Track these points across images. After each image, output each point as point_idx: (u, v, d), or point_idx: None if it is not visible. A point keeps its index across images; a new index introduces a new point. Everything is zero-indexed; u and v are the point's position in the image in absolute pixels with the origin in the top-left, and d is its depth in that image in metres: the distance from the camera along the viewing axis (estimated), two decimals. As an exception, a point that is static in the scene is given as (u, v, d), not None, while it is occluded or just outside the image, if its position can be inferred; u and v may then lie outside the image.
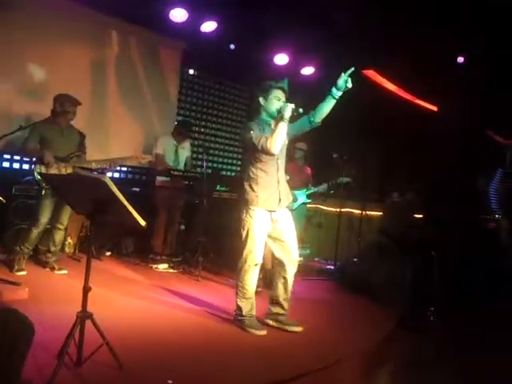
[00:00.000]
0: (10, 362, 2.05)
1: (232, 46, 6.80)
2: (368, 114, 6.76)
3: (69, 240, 5.23)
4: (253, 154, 3.42)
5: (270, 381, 2.61)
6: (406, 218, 6.06)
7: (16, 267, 4.19)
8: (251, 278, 3.42)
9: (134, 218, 2.60)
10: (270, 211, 3.42)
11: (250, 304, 3.45)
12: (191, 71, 7.22)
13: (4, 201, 3.52)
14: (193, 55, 6.79)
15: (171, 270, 5.07)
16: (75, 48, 5.60)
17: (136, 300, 3.95)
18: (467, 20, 5.54)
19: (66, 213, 4.43)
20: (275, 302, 3.56)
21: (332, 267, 6.05)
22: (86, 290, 2.55)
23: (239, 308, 3.45)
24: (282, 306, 3.55)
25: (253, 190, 3.39)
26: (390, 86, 7.39)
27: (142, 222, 2.61)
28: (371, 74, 7.21)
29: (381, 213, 6.46)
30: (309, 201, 5.95)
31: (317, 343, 3.36)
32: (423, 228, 5.71)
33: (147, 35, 6.28)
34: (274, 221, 3.45)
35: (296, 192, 5.42)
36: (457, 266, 4.75)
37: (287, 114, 3.28)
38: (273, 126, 3.42)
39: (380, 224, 6.14)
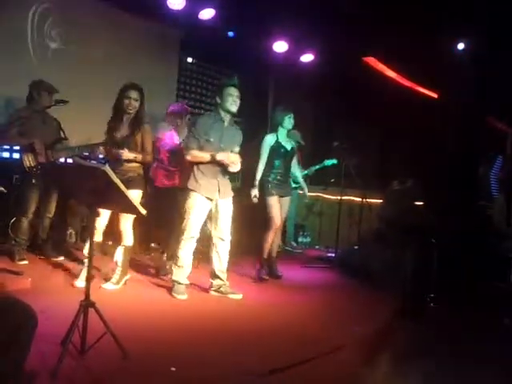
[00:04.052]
0: (13, 352, 2.06)
1: (230, 34, 6.76)
2: (367, 102, 6.74)
3: (70, 230, 5.23)
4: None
5: (267, 368, 2.62)
6: (406, 205, 6.05)
7: (17, 257, 4.21)
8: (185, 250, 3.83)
9: (135, 207, 2.60)
10: (209, 198, 3.81)
11: (179, 272, 3.82)
12: (190, 59, 7.18)
13: (5, 191, 3.52)
14: (191, 43, 6.75)
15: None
16: (70, 36, 5.55)
17: (138, 288, 3.97)
18: (468, 5, 5.50)
19: (53, 201, 4.44)
20: (214, 275, 3.97)
21: (333, 255, 6.07)
22: (89, 278, 2.57)
23: (171, 273, 3.91)
24: (220, 278, 3.96)
25: (195, 178, 3.81)
26: (390, 73, 7.35)
27: (143, 211, 2.61)
28: (371, 61, 7.17)
29: (381, 200, 6.46)
30: (297, 185, 5.96)
31: (316, 330, 3.38)
32: (423, 215, 5.71)
33: (145, 24, 6.22)
34: (214, 207, 3.87)
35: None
36: (457, 253, 4.77)
37: (219, 157, 3.75)
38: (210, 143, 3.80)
39: (380, 212, 6.14)
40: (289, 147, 4.83)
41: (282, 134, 4.80)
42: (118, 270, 3.84)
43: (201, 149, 3.80)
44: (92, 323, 2.48)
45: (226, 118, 3.89)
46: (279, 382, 2.56)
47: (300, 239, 7.10)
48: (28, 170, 4.14)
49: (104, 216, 3.78)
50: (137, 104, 3.73)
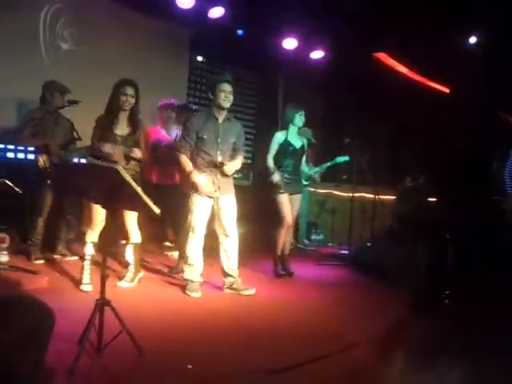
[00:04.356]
0: (32, 351, 2.09)
1: (240, 32, 6.75)
2: (378, 97, 6.70)
3: (85, 229, 5.26)
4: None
5: (283, 365, 2.62)
6: (419, 201, 6.02)
7: (33, 257, 4.26)
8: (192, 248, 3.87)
9: (148, 206, 2.62)
10: (209, 196, 3.83)
11: (191, 270, 3.85)
12: (199, 58, 7.18)
13: (20, 191, 3.56)
14: (201, 42, 6.76)
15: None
16: (81, 37, 5.60)
17: (152, 287, 4.00)
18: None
19: (68, 201, 4.50)
20: (225, 272, 3.97)
21: (346, 252, 6.05)
22: (104, 277, 2.59)
23: (183, 271, 3.92)
24: (231, 275, 3.95)
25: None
26: (402, 69, 7.30)
27: (156, 210, 2.62)
28: (382, 56, 7.12)
29: (394, 197, 6.43)
30: (307, 183, 5.93)
31: (330, 327, 3.38)
32: (436, 211, 5.67)
33: (155, 23, 6.24)
34: (215, 204, 3.89)
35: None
36: (470, 247, 4.73)
37: (195, 179, 3.77)
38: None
39: (393, 208, 6.11)
40: (298, 145, 4.82)
41: (293, 132, 4.79)
42: (131, 268, 3.87)
43: (196, 148, 3.83)
44: (108, 321, 2.50)
45: (220, 114, 3.88)
46: (293, 379, 2.56)
47: (313, 237, 7.10)
48: (42, 170, 4.19)
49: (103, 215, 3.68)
50: (133, 100, 3.68)
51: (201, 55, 7.17)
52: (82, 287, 3.62)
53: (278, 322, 3.39)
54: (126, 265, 3.94)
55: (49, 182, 4.20)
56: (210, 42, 6.62)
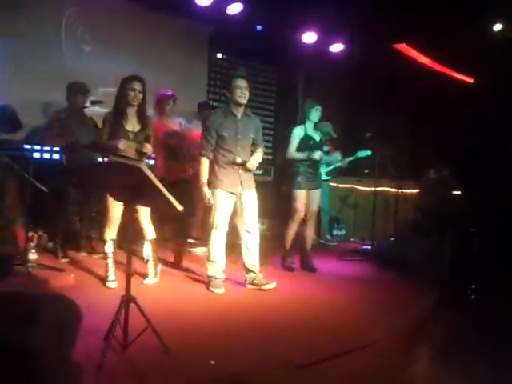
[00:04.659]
0: (60, 347, 2.14)
1: (259, 27, 6.74)
2: (399, 90, 6.60)
3: (103, 227, 5.34)
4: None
5: (308, 360, 2.63)
6: (443, 194, 5.92)
7: (60, 255, 4.35)
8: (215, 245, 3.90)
9: (171, 204, 2.64)
10: (232, 192, 3.85)
11: (213, 267, 3.88)
12: (219, 55, 7.20)
13: (47, 190, 3.64)
14: (220, 38, 6.77)
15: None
16: (101, 38, 5.68)
17: (176, 283, 4.04)
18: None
19: (93, 200, 4.57)
20: (246, 268, 3.99)
21: (368, 247, 6.00)
22: (129, 274, 2.63)
23: (207, 269, 3.93)
24: (252, 271, 3.97)
25: (216, 174, 3.86)
26: (424, 60, 7.17)
27: (180, 207, 2.64)
28: (403, 47, 7.01)
29: (417, 190, 6.34)
30: (328, 178, 5.87)
31: (354, 322, 3.36)
32: (461, 204, 5.57)
33: (173, 21, 6.28)
34: (238, 200, 3.90)
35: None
36: (496, 243, 4.63)
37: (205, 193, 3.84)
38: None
39: (416, 201, 6.02)
40: (317, 139, 4.82)
41: (310, 127, 4.79)
42: (151, 264, 3.89)
43: (217, 146, 3.84)
44: (133, 318, 2.54)
45: (238, 110, 3.88)
46: (315, 375, 2.56)
47: (335, 232, 7.05)
48: (68, 169, 4.27)
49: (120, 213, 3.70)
50: (141, 96, 3.68)
51: (220, 52, 7.18)
52: (108, 284, 3.69)
53: (300, 317, 3.39)
54: (145, 262, 3.94)
55: (74, 180, 4.28)
56: (229, 38, 6.62)
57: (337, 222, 7.11)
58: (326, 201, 6.28)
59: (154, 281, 3.88)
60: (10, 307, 2.14)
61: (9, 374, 1.86)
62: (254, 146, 3.97)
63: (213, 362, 2.52)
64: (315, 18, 6.43)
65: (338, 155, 5.93)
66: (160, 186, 2.58)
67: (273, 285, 3.98)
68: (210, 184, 3.87)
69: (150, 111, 4.22)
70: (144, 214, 3.75)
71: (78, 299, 2.19)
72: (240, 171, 3.87)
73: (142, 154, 3.68)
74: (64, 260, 4.31)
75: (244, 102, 3.84)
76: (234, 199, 3.90)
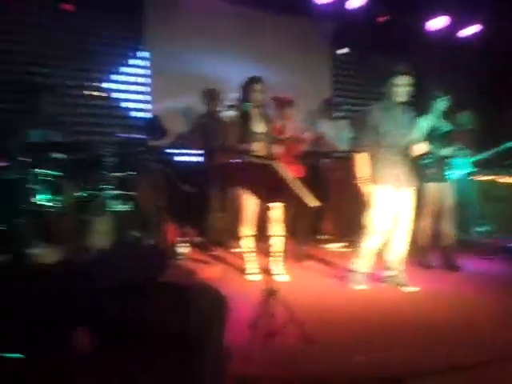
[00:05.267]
0: (212, 335, 2.30)
1: (383, 18, 6.55)
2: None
3: (239, 224, 5.61)
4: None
5: (462, 363, 2.48)
6: None
7: (206, 249, 4.70)
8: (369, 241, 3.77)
9: (307, 201, 2.69)
10: (393, 188, 3.68)
11: (359, 262, 3.79)
12: (343, 50, 7.13)
13: (192, 190, 3.97)
14: (343, 34, 6.71)
15: (345, 250, 5.10)
16: (224, 43, 5.99)
17: (313, 278, 4.09)
18: None
19: (229, 197, 4.78)
20: (389, 265, 3.86)
21: (516, 245, 5.46)
22: (270, 268, 2.74)
23: (351, 262, 3.84)
24: (394, 269, 3.84)
25: (375, 170, 3.71)
26: None
27: (316, 203, 2.68)
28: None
29: None
30: (474, 170, 5.42)
31: (497, 330, 3.03)
32: None
33: (293, 22, 6.37)
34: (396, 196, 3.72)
35: (456, 160, 5.01)
36: None
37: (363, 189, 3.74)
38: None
39: None
40: (445, 130, 4.50)
41: (438, 117, 4.46)
42: (280, 261, 3.94)
43: (376, 142, 3.70)
44: (275, 310, 2.63)
45: (397, 105, 3.74)
46: (458, 381, 2.41)
47: (477, 228, 6.52)
48: (208, 170, 4.57)
49: (255, 210, 3.83)
50: (263, 96, 3.74)
51: (344, 47, 7.10)
52: (247, 277, 3.87)
53: (440, 319, 3.20)
54: (274, 258, 4.01)
55: (214, 181, 4.60)
56: (352, 32, 6.53)
57: (479, 217, 6.57)
58: (468, 195, 5.84)
59: (286, 278, 3.91)
60: (165, 296, 2.37)
61: (166, 359, 2.05)
62: (412, 139, 3.78)
63: (359, 358, 2.50)
64: (443, 2, 6.06)
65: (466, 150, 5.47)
66: (294, 183, 2.65)
67: (414, 289, 3.79)
68: (369, 179, 3.75)
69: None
70: (277, 210, 3.83)
71: (224, 290, 2.33)
72: (399, 167, 3.72)
73: (271, 155, 3.76)
74: (209, 253, 4.63)
75: (403, 100, 3.68)
76: (394, 196, 3.72)
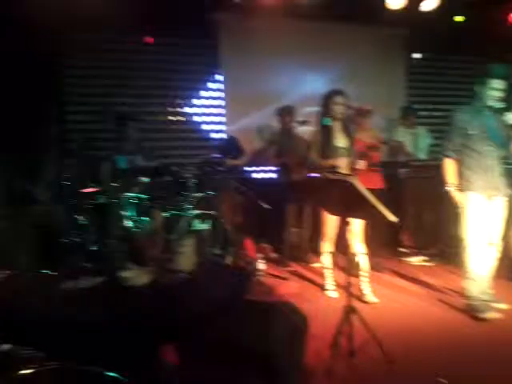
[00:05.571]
0: (294, 352, 2.35)
1: (459, 18, 6.26)
2: None
3: (321, 240, 5.58)
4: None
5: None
6: None
7: (283, 264, 4.72)
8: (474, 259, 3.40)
9: (384, 216, 2.66)
10: (485, 196, 3.41)
11: (474, 286, 3.40)
12: (417, 55, 6.92)
13: (269, 207, 4.07)
14: (417, 38, 6.51)
15: (426, 264, 4.92)
16: (297, 59, 6.05)
17: (393, 295, 3.92)
18: None
19: (309, 212, 4.85)
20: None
21: None
22: (349, 285, 2.73)
23: (463, 289, 3.49)
24: (481, 288, 3.45)
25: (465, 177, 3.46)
26: None
27: (393, 219, 2.64)
28: None
29: None
30: None
31: None
32: None
33: (366, 31, 6.30)
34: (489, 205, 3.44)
35: None
36: None
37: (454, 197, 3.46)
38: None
39: None
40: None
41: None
42: (365, 280, 3.80)
43: (464, 147, 3.46)
44: (355, 328, 2.62)
45: (487, 109, 3.44)
46: None
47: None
48: (285, 186, 4.66)
49: (335, 226, 3.73)
50: (344, 109, 3.63)
51: (418, 52, 6.89)
52: (327, 293, 3.86)
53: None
54: (357, 276, 3.83)
55: (290, 197, 4.66)
56: (427, 36, 6.31)
57: None
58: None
59: (374, 299, 3.72)
60: (250, 315, 2.45)
61: (250, 376, 2.12)
62: (504, 144, 3.48)
63: (442, 380, 2.42)
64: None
65: None
66: (372, 198, 2.63)
67: (503, 305, 3.48)
68: (458, 187, 3.49)
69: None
70: (357, 227, 3.71)
71: (302, 307, 2.37)
72: (491, 173, 3.41)
73: (354, 170, 3.66)
74: (287, 269, 4.68)
75: (496, 105, 3.40)
76: (486, 204, 3.42)
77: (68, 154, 5.00)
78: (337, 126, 3.72)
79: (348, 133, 3.74)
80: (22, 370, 1.49)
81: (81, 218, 4.08)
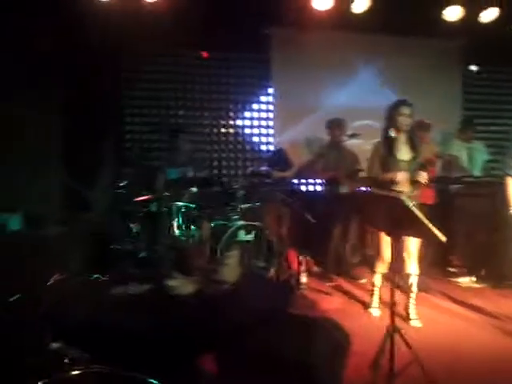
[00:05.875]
0: (335, 368, 2.33)
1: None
2: None
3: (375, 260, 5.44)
4: None
5: None
6: None
7: (327, 279, 4.70)
8: None
9: (434, 234, 2.59)
10: None
11: None
12: (474, 67, 6.70)
13: (313, 220, 4.06)
14: (475, 50, 6.31)
15: (475, 285, 4.74)
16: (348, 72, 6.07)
17: (438, 316, 3.81)
18: None
19: (354, 227, 4.85)
20: None
21: None
22: (393, 304, 2.68)
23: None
24: None
25: None
26: None
27: (443, 238, 2.57)
28: None
29: None
30: None
31: None
32: None
33: (423, 44, 6.18)
34: None
35: None
36: None
37: None
38: None
39: None
40: None
41: None
42: (412, 302, 3.64)
43: None
44: (397, 347, 2.56)
45: None
46: None
47: None
48: (332, 200, 4.64)
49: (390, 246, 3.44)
50: (410, 121, 3.49)
51: (476, 63, 6.67)
52: (370, 310, 3.78)
53: None
54: (407, 297, 3.70)
55: (337, 210, 4.63)
56: (484, 48, 6.11)
57: None
58: None
59: (418, 324, 3.57)
60: (289, 327, 2.46)
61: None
62: None
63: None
64: None
65: None
66: (423, 217, 2.56)
67: None
68: None
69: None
70: (413, 246, 3.56)
71: (344, 323, 2.35)
72: None
73: (415, 183, 3.49)
74: (330, 284, 4.64)
75: None
76: None
77: (125, 164, 5.24)
78: (401, 138, 3.56)
79: (413, 145, 3.58)
80: (69, 369, 1.58)
81: (133, 226, 4.25)
